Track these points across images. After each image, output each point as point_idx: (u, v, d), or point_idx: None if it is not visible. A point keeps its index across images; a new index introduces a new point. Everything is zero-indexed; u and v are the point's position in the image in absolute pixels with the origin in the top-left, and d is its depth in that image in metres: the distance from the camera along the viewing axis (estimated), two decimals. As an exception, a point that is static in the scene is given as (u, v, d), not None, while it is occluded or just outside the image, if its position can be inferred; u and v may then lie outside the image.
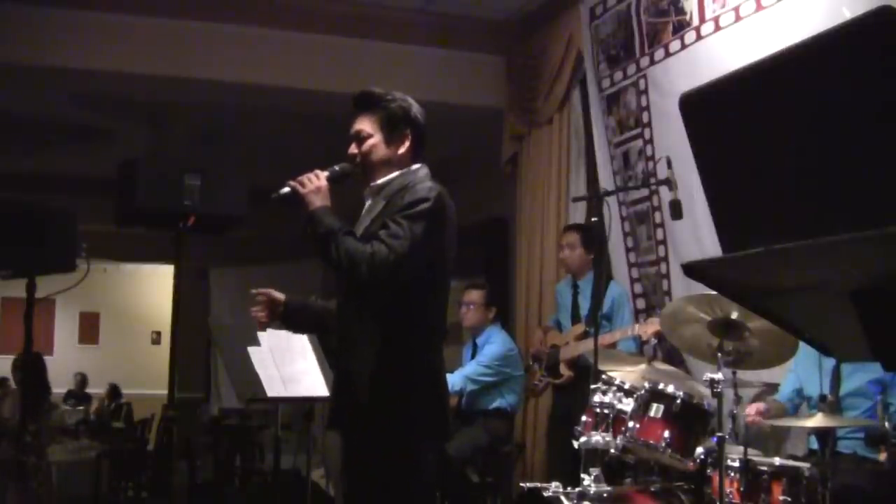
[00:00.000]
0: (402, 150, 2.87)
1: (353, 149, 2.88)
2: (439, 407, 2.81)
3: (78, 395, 12.24)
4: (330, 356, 3.87)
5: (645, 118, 5.15)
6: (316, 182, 2.81)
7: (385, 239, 2.67)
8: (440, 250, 2.79)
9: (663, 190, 4.60)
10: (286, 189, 2.83)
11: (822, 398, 3.43)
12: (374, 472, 2.75)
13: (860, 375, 3.57)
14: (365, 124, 2.87)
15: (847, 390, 3.63)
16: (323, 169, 2.86)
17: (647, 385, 3.64)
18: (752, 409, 3.74)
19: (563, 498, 3.46)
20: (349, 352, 2.84)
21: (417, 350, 2.78)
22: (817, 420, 3.21)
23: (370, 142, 2.86)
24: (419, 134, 2.91)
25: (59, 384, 12.74)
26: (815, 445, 3.46)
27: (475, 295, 5.40)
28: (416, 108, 2.92)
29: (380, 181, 2.86)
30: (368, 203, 2.92)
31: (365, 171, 2.88)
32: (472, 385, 5.23)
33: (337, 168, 2.89)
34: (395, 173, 2.86)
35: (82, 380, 12.96)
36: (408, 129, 2.88)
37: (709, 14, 4.62)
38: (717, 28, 4.55)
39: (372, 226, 2.79)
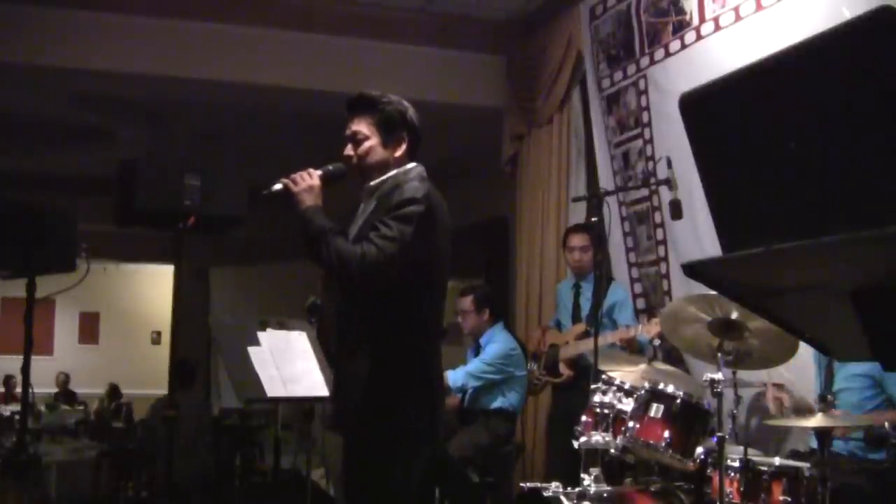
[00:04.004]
0: (398, 153, 2.88)
1: (350, 150, 2.89)
2: (430, 414, 2.81)
3: (65, 395, 12.17)
4: (330, 358, 3.87)
5: (645, 118, 5.15)
6: (308, 181, 2.82)
7: (375, 240, 2.67)
8: (432, 251, 2.79)
9: (663, 190, 4.60)
10: (278, 186, 2.84)
11: (822, 398, 3.43)
12: (367, 474, 2.76)
13: (851, 366, 3.57)
14: (362, 126, 2.87)
15: (839, 385, 3.63)
16: (317, 168, 2.87)
17: (647, 385, 3.64)
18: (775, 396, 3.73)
19: (563, 498, 3.46)
20: (345, 354, 2.84)
21: (413, 351, 2.78)
22: (817, 420, 3.21)
23: (367, 144, 2.86)
24: (415, 137, 2.91)
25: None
26: (815, 445, 3.46)
27: (465, 302, 5.41)
28: (411, 111, 2.92)
29: (374, 182, 2.87)
30: (362, 204, 2.92)
31: (361, 172, 2.89)
32: (475, 381, 5.24)
33: (331, 167, 2.90)
34: (389, 174, 2.86)
35: (66, 379, 12.90)
36: (404, 132, 2.89)
37: (709, 14, 4.62)
38: (717, 28, 4.55)
39: (364, 227, 2.80)
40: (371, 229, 2.72)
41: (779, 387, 3.80)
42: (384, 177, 2.87)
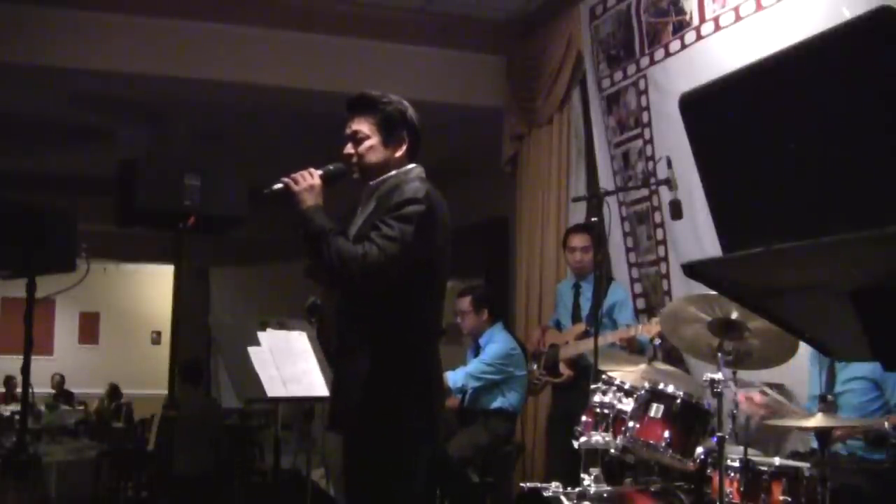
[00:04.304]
0: (399, 153, 2.89)
1: (350, 149, 2.89)
2: (430, 414, 2.81)
3: (63, 395, 12.16)
4: (329, 357, 3.88)
5: (645, 118, 5.15)
6: (309, 180, 2.82)
7: (376, 240, 2.68)
8: (432, 251, 2.80)
9: (663, 190, 4.61)
10: (279, 185, 2.84)
11: (822, 398, 3.43)
12: (368, 475, 2.76)
13: (852, 369, 3.57)
14: (362, 126, 2.87)
15: (840, 388, 3.63)
16: (317, 168, 2.87)
17: (647, 385, 3.63)
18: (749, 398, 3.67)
19: (563, 498, 3.46)
20: (345, 354, 2.85)
21: (413, 351, 2.79)
22: (817, 420, 3.21)
23: (368, 143, 2.86)
24: (415, 137, 2.92)
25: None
26: (815, 445, 3.46)
27: (463, 303, 5.40)
28: (411, 111, 2.93)
29: (374, 182, 2.88)
30: (362, 204, 2.93)
31: (361, 172, 2.89)
32: (475, 382, 5.24)
33: (332, 167, 2.90)
34: (390, 174, 2.87)
35: (61, 380, 12.90)
36: (404, 132, 2.89)
37: (709, 14, 4.62)
38: (717, 28, 4.55)
39: (363, 226, 2.80)
40: (371, 229, 2.73)
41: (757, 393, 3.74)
42: (384, 177, 2.87)
